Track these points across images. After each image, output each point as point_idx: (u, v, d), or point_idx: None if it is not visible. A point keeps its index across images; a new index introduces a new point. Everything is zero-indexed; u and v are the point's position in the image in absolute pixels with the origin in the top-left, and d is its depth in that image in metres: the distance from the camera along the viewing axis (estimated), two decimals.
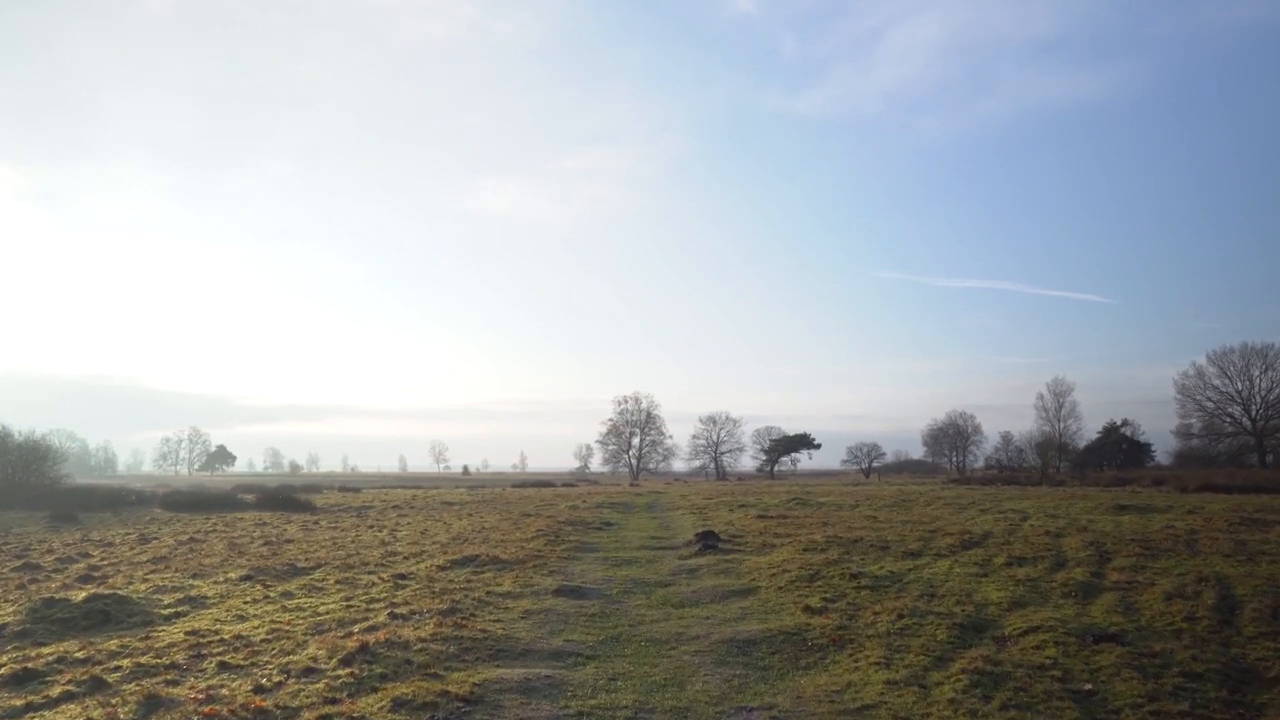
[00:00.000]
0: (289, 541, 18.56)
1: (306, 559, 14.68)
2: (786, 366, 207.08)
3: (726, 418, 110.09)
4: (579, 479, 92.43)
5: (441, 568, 12.87)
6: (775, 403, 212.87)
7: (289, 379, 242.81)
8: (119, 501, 34.62)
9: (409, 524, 23.02)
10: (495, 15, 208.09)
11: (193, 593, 11.16)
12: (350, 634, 8.11)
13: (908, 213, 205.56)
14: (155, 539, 20.12)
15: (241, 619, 9.33)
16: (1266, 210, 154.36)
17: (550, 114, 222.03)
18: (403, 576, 11.97)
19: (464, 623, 8.35)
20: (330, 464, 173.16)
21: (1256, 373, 64.36)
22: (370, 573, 12.76)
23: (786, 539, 15.39)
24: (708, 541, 14.95)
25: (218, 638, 8.17)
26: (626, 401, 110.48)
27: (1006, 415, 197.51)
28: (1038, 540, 13.95)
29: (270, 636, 8.18)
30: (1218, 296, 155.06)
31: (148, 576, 12.96)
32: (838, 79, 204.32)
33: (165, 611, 9.84)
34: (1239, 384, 64.90)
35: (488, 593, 10.41)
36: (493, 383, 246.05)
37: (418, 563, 13.70)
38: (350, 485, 61.60)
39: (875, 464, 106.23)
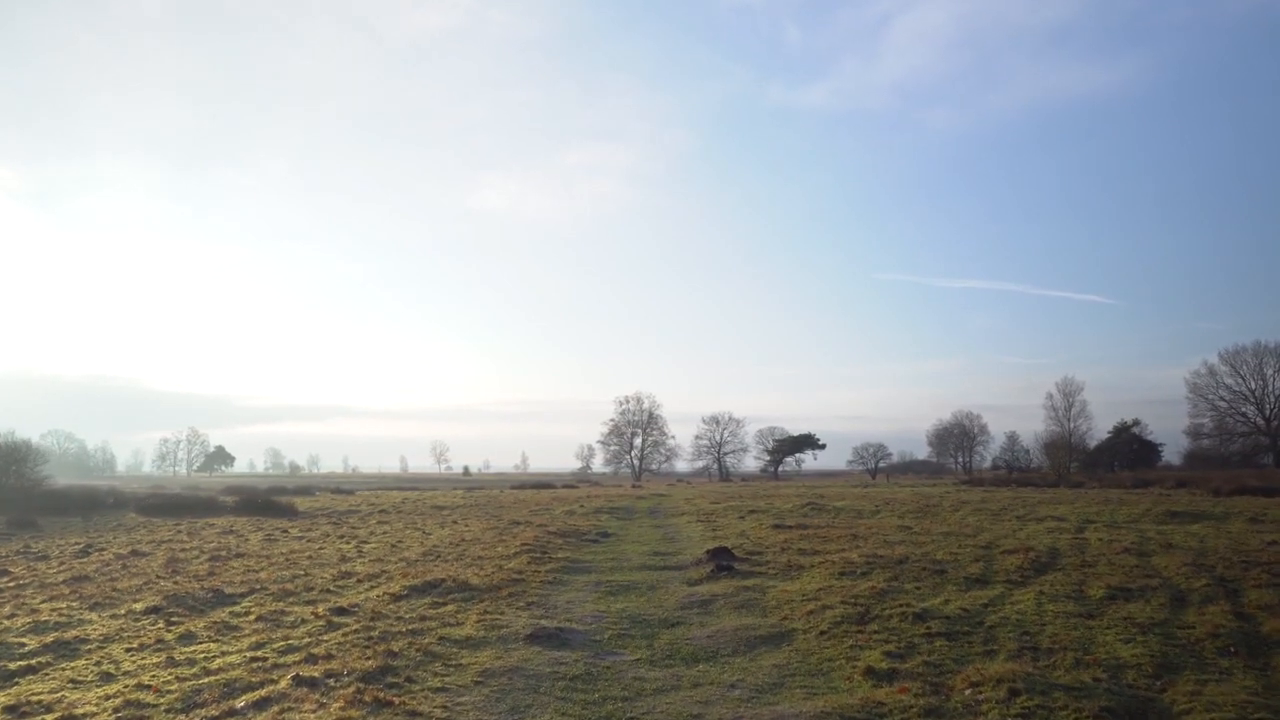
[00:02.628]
0: (240, 556, 16.21)
1: (244, 581, 12.31)
2: (788, 367, 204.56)
3: (730, 418, 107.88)
4: (580, 480, 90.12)
5: (396, 596, 10.46)
6: (777, 403, 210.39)
7: (290, 379, 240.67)
8: (96, 505, 32.63)
9: (384, 533, 20.66)
10: (493, 5, 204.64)
11: (73, 633, 8.78)
12: (227, 714, 5.73)
13: (910, 212, 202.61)
14: (99, 550, 17.86)
15: (106, 678, 6.94)
16: (1270, 210, 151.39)
17: (550, 109, 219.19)
18: (343, 611, 9.57)
19: (390, 696, 5.94)
20: (331, 464, 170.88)
21: (1270, 371, 63.28)
22: (308, 603, 10.37)
23: (815, 557, 12.96)
24: (721, 561, 12.53)
25: None
26: (628, 401, 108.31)
27: (1009, 415, 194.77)
28: (1122, 561, 11.52)
29: (115, 718, 5.79)
30: (1220, 297, 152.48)
31: (40, 605, 10.60)
32: (843, 71, 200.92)
33: (15, 665, 7.44)
34: (1252, 383, 63.78)
35: (440, 639, 8.00)
36: (494, 383, 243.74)
37: (371, 589, 11.30)
38: (345, 487, 59.30)
39: (881, 464, 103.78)
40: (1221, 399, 65.16)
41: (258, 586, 11.70)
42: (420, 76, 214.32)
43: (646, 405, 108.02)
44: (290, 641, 8.05)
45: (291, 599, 10.68)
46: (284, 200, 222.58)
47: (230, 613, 9.78)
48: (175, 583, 12.45)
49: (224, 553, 16.80)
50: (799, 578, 11.12)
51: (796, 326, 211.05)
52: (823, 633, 7.82)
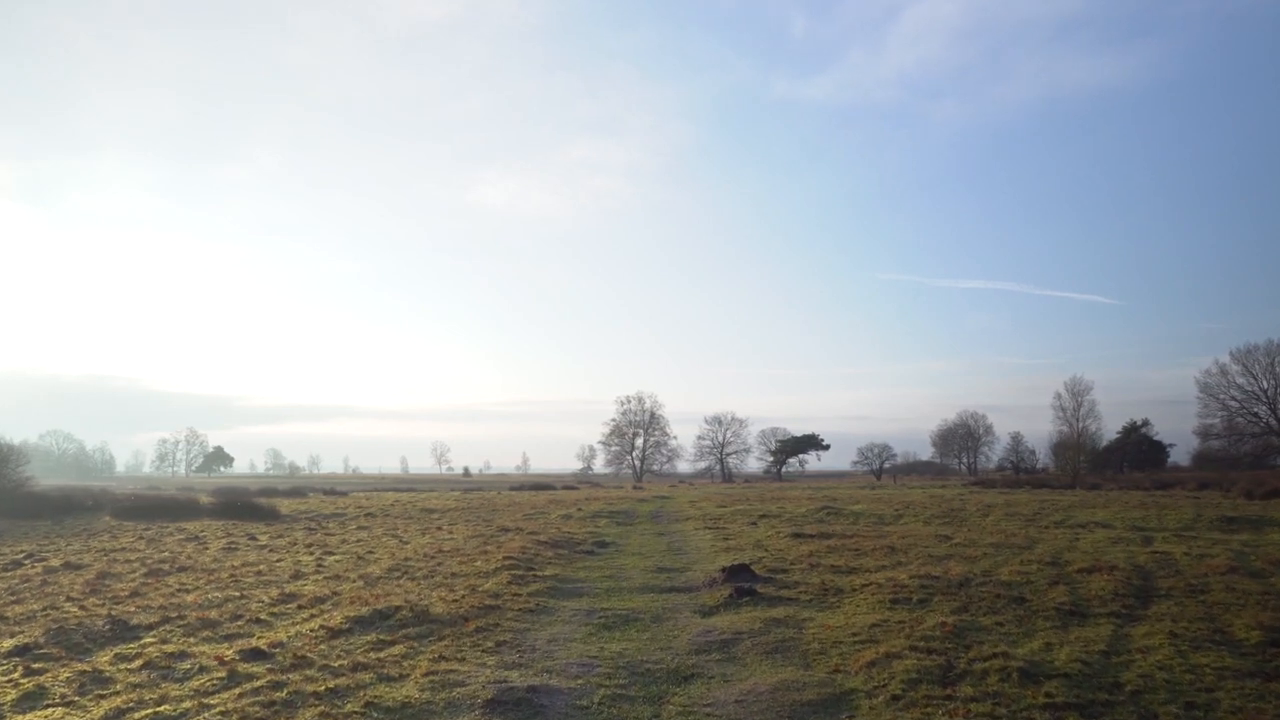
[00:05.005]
0: (183, 569, 14.06)
1: (163, 605, 10.16)
2: (791, 367, 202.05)
3: (732, 418, 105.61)
4: (581, 480, 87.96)
5: (334, 631, 8.29)
6: (779, 404, 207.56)
7: (292, 379, 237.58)
8: (72, 507, 30.69)
9: (358, 541, 18.49)
10: None
11: None
12: None
13: (911, 212, 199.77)
14: (37, 560, 15.72)
15: None
16: (1276, 208, 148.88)
17: (550, 101, 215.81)
18: (258, 654, 7.40)
19: None
20: (332, 465, 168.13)
21: None
22: (225, 638, 8.21)
23: (853, 577, 10.77)
24: (740, 582, 10.35)
25: None
26: (630, 401, 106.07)
27: (1011, 416, 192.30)
28: (1240, 585, 9.33)
29: None
30: (1224, 297, 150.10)
31: None
32: (848, 63, 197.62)
33: None
34: (1264, 382, 62.46)
35: (368, 704, 5.82)
36: (495, 383, 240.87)
37: (309, 619, 9.12)
38: (339, 488, 57.13)
39: (886, 465, 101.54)
40: (1233, 399, 63.58)
41: (174, 614, 9.53)
42: (417, 69, 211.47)
43: (648, 405, 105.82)
44: (163, 708, 5.88)
45: (205, 633, 8.52)
46: (282, 197, 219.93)
47: (116, 655, 7.61)
48: (82, 607, 10.29)
49: (167, 565, 14.66)
50: (841, 606, 8.93)
51: (799, 326, 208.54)
52: (895, 697, 5.65)
